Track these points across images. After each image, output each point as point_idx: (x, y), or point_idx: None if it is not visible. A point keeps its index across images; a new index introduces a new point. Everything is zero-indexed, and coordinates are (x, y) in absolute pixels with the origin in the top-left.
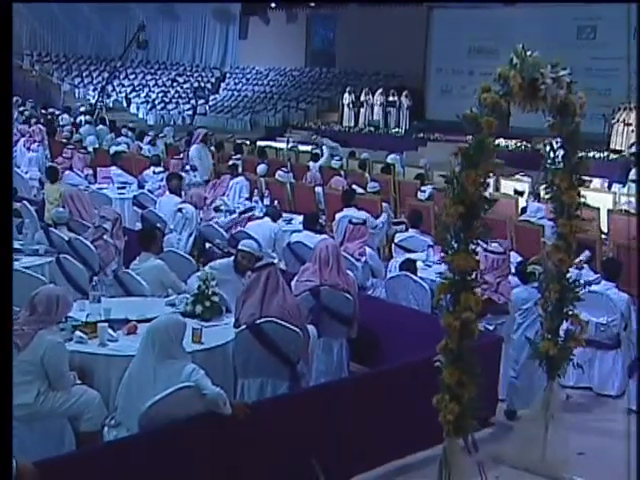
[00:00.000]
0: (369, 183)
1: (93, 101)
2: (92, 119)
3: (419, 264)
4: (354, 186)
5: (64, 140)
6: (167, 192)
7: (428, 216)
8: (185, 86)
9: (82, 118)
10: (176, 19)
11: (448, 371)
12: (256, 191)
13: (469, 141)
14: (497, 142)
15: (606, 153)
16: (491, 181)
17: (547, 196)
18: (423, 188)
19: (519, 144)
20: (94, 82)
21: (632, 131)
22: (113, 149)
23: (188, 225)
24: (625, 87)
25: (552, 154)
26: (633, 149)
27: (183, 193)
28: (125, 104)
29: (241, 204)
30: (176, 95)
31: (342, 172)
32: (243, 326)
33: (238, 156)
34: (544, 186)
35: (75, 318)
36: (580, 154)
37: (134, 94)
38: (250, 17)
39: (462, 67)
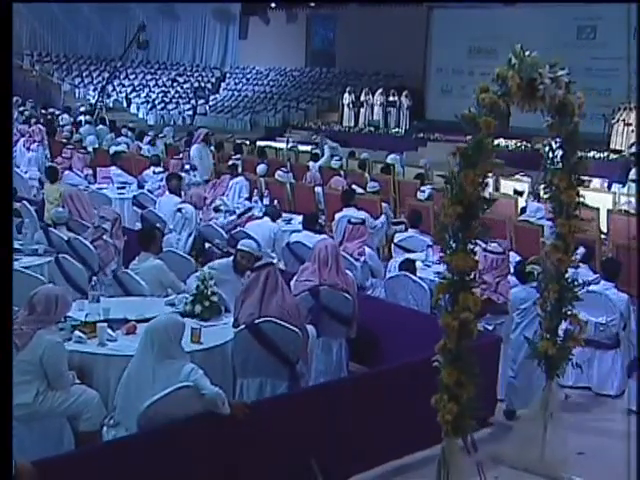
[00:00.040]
0: (369, 183)
1: (93, 101)
2: (92, 119)
3: (418, 264)
4: (354, 186)
5: (64, 140)
6: (167, 192)
7: (427, 216)
8: (185, 86)
9: (82, 118)
10: (176, 19)
11: (447, 371)
12: (256, 191)
13: (469, 141)
14: (497, 142)
15: (606, 153)
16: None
17: (546, 196)
18: (423, 188)
19: (519, 144)
20: (94, 82)
21: (632, 131)
22: (113, 149)
23: (187, 225)
24: (625, 87)
25: (551, 154)
26: (633, 149)
27: (183, 193)
28: (125, 104)
29: (241, 204)
30: (176, 95)
31: (342, 172)
32: (242, 326)
33: (238, 156)
34: (543, 186)
35: (74, 318)
36: (579, 154)
37: (134, 94)
38: (250, 17)
39: (462, 67)
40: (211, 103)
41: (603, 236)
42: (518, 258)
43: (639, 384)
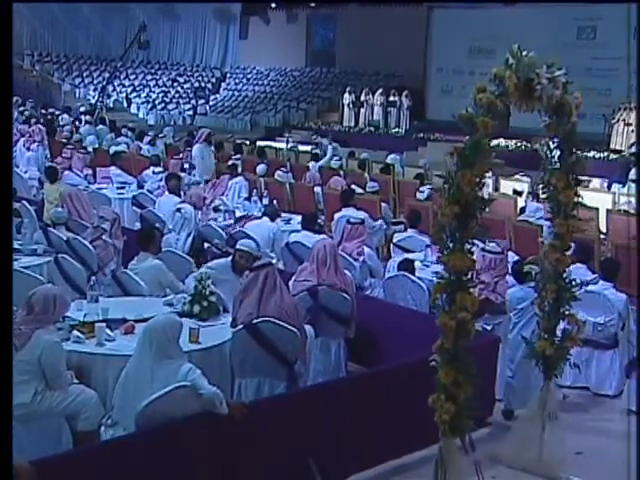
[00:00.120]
0: (368, 183)
1: (93, 101)
2: (92, 119)
3: (417, 264)
4: (353, 186)
5: (64, 140)
6: (166, 192)
7: (427, 216)
8: (185, 86)
9: (82, 118)
10: (176, 19)
11: (444, 371)
12: (255, 191)
13: (467, 141)
14: (497, 142)
15: (606, 153)
16: (490, 181)
17: (544, 196)
18: (422, 188)
19: (519, 144)
20: (94, 82)
21: (632, 131)
22: (113, 149)
23: (187, 225)
24: (625, 87)
25: (549, 154)
26: (633, 149)
27: (182, 193)
28: (125, 104)
29: (240, 204)
30: (176, 95)
31: (341, 172)
32: (240, 326)
33: (238, 156)
34: (541, 186)
35: (73, 318)
36: (577, 154)
37: (134, 94)
38: (250, 17)
39: (462, 67)
40: (211, 103)
41: (602, 236)
42: (516, 258)
43: (639, 384)
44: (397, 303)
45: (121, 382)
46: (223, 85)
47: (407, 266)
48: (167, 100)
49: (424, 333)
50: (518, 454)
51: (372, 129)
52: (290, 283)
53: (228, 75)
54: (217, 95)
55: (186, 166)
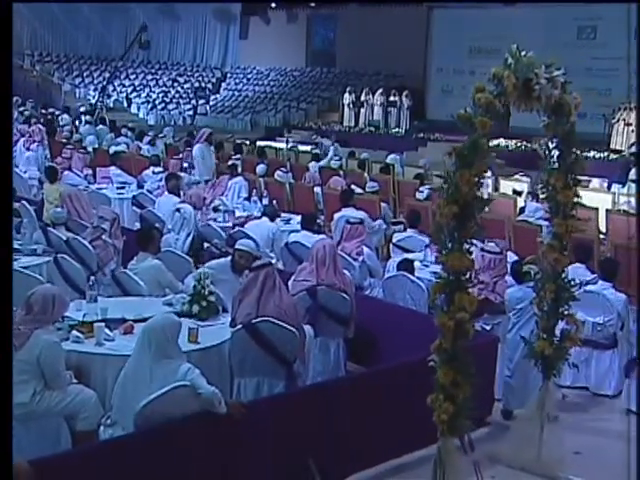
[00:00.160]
0: (368, 183)
1: (93, 101)
2: (92, 119)
3: (416, 264)
4: (353, 186)
5: (64, 140)
6: (166, 192)
7: (426, 216)
8: (186, 86)
9: (82, 118)
10: (177, 19)
11: (442, 371)
12: (255, 191)
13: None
14: (497, 142)
15: (606, 153)
16: (490, 181)
17: (543, 196)
18: (421, 188)
19: (519, 144)
20: (95, 82)
21: (632, 131)
22: (113, 149)
23: (186, 225)
24: (625, 87)
25: (548, 154)
26: (633, 149)
27: (182, 193)
28: (126, 104)
29: (240, 204)
30: (177, 95)
31: (341, 172)
32: (239, 326)
33: (238, 156)
34: (540, 186)
35: (72, 318)
36: (576, 154)
37: (135, 94)
38: (250, 17)
39: (463, 67)
40: (211, 103)
41: (602, 236)
42: (516, 258)
43: (639, 384)
44: (396, 303)
45: (120, 382)
46: (223, 85)
47: (406, 266)
48: (167, 100)
49: (423, 333)
50: (517, 454)
51: (372, 129)
52: (289, 283)
53: (228, 75)
54: (217, 95)
55: (186, 166)
